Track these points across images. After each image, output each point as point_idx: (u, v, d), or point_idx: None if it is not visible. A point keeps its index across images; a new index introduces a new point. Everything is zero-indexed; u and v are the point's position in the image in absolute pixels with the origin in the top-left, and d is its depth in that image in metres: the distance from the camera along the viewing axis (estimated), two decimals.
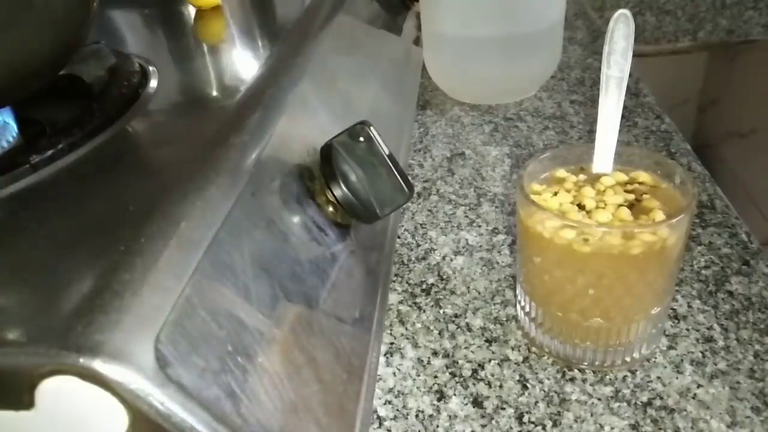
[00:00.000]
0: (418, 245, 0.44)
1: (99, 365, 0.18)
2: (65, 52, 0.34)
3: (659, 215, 0.30)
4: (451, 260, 0.42)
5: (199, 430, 0.19)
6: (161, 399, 0.18)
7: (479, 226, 0.45)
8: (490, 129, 0.58)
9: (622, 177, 0.33)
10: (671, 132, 0.54)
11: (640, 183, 0.33)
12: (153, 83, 0.37)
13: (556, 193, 0.33)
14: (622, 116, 0.33)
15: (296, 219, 0.31)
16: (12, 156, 0.30)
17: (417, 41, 0.68)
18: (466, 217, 0.47)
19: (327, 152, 0.33)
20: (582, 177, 0.33)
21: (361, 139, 0.32)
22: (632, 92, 0.60)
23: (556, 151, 0.35)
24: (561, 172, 0.34)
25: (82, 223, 0.24)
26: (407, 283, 0.41)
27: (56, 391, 0.18)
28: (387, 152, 0.32)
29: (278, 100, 0.34)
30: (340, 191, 0.32)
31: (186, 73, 0.41)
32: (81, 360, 0.17)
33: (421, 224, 0.46)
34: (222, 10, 0.52)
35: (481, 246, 0.43)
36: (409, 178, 0.36)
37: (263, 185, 0.29)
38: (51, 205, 0.26)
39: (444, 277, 0.41)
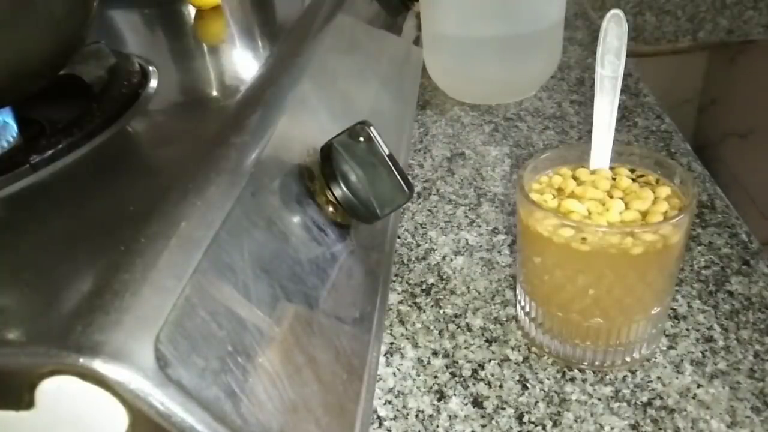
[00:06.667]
0: (418, 245, 0.44)
1: (99, 365, 0.18)
2: (65, 52, 0.34)
3: (661, 209, 0.30)
4: (451, 260, 0.42)
5: (198, 430, 0.19)
6: (161, 399, 0.18)
7: (479, 226, 0.45)
8: (490, 129, 0.58)
9: (623, 173, 0.33)
10: (671, 132, 0.54)
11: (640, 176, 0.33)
12: (153, 83, 0.37)
13: (556, 193, 0.33)
14: (623, 116, 0.33)
15: (296, 219, 0.31)
16: (12, 156, 0.30)
17: (417, 41, 0.68)
18: (466, 217, 0.47)
19: (327, 152, 0.33)
20: (581, 176, 0.33)
21: (361, 139, 0.32)
22: (632, 92, 0.60)
23: (556, 150, 0.35)
24: (561, 172, 0.34)
25: (82, 223, 0.24)
26: (407, 283, 0.41)
27: (56, 391, 0.18)
28: (387, 152, 0.32)
29: (278, 100, 0.34)
30: (340, 191, 0.32)
31: (186, 73, 0.41)
32: (81, 360, 0.17)
33: (421, 224, 0.46)
34: (222, 10, 0.52)
35: (481, 246, 0.43)
36: (409, 178, 0.36)
37: (263, 185, 0.29)
38: (51, 205, 0.26)
39: (444, 277, 0.41)
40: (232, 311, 0.23)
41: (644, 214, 0.30)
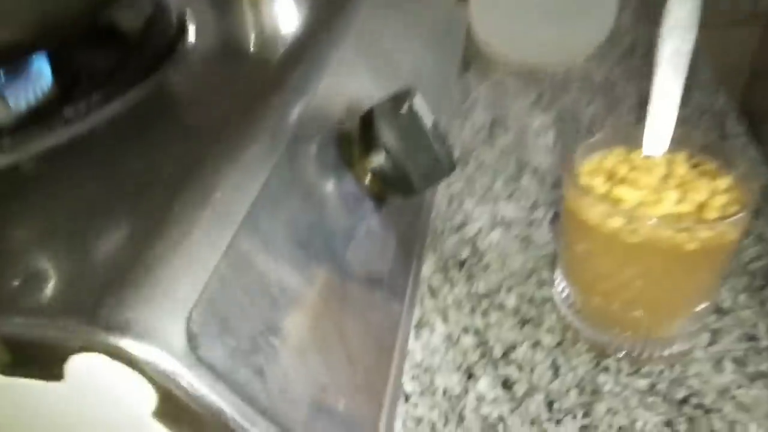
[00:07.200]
0: (453, 216, 0.43)
1: (128, 344, 0.17)
2: (103, 1, 0.32)
3: (719, 202, 0.28)
4: (487, 234, 0.41)
5: (227, 412, 0.19)
6: (191, 380, 0.18)
7: (518, 199, 0.44)
8: (535, 96, 0.56)
9: (679, 160, 0.31)
10: (726, 111, 0.51)
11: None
12: (191, 35, 0.36)
13: (606, 178, 0.31)
14: None
15: (332, 188, 0.29)
16: (46, 106, 0.29)
17: None
18: (505, 188, 0.45)
19: (368, 119, 0.31)
20: (635, 161, 0.32)
21: (405, 107, 0.31)
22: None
23: (609, 131, 0.33)
24: (613, 155, 0.32)
25: (114, 186, 0.24)
26: (440, 255, 0.40)
27: (85, 367, 0.17)
28: (431, 123, 0.31)
29: (320, 58, 0.33)
30: (378, 161, 0.31)
31: (224, 25, 0.40)
32: (110, 338, 0.17)
33: (456, 194, 0.45)
34: None
35: (519, 220, 0.42)
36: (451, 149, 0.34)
37: (301, 152, 0.28)
38: (83, 164, 0.25)
39: (478, 251, 0.40)
40: (266, 287, 0.23)
41: (700, 206, 0.29)
